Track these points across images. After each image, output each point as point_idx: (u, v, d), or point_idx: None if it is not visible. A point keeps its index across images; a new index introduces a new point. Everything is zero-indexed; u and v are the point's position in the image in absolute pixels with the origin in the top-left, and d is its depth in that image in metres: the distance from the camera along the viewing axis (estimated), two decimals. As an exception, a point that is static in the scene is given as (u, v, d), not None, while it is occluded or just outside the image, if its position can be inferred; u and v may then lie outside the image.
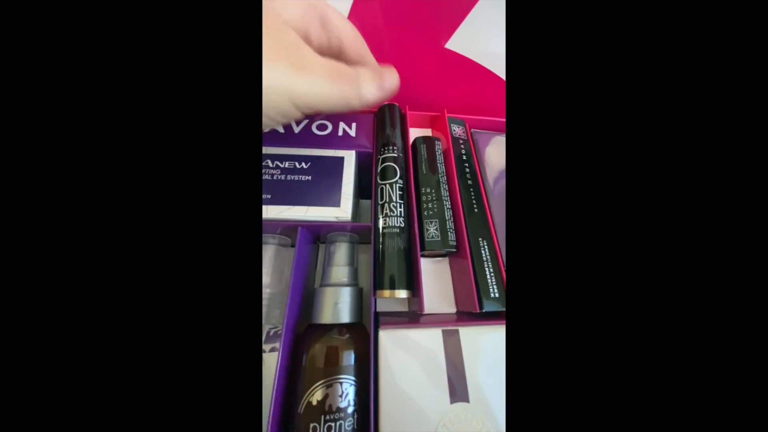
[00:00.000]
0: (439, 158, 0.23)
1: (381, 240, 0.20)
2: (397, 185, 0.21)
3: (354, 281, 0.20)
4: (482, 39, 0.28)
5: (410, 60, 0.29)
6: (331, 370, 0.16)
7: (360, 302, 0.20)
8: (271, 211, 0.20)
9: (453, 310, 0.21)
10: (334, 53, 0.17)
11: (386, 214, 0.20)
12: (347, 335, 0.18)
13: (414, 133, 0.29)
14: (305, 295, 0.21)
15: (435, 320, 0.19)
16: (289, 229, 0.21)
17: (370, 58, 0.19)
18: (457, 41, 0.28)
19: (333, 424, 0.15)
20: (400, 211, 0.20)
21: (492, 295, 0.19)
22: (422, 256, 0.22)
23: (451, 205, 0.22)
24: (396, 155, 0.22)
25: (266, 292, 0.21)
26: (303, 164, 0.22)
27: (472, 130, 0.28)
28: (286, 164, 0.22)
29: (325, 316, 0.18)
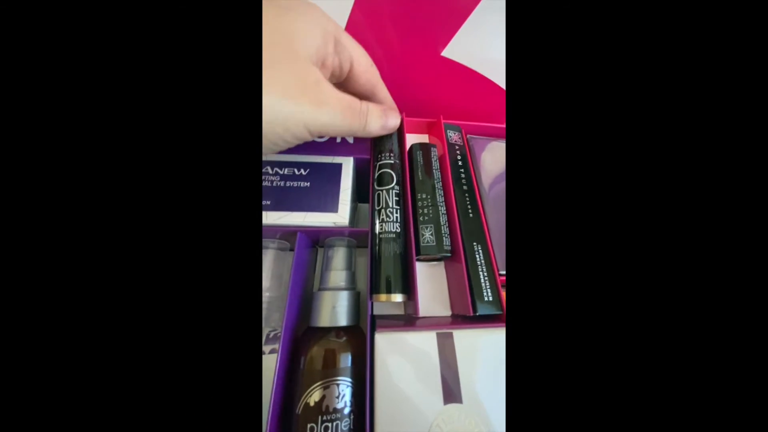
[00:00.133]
0: (435, 164, 0.24)
1: (377, 245, 0.20)
2: (393, 191, 0.21)
3: (351, 285, 0.21)
4: (479, 46, 0.29)
5: (407, 67, 0.29)
6: (328, 371, 0.17)
7: (357, 305, 0.20)
8: (270, 217, 0.20)
9: (448, 313, 0.22)
10: (345, 75, 0.19)
11: (383, 219, 0.20)
12: (344, 338, 0.18)
13: (411, 138, 0.29)
14: (304, 298, 0.22)
15: (430, 323, 0.19)
16: (288, 233, 0.22)
17: (376, 79, 0.20)
18: (454, 49, 0.29)
19: (330, 425, 0.15)
20: (396, 217, 0.20)
21: (486, 298, 0.19)
22: (418, 260, 0.22)
23: (447, 210, 0.22)
24: (392, 162, 0.22)
25: (266, 295, 0.21)
26: (302, 171, 0.23)
27: (468, 135, 0.28)
28: (285, 170, 0.23)
29: (323, 320, 0.18)
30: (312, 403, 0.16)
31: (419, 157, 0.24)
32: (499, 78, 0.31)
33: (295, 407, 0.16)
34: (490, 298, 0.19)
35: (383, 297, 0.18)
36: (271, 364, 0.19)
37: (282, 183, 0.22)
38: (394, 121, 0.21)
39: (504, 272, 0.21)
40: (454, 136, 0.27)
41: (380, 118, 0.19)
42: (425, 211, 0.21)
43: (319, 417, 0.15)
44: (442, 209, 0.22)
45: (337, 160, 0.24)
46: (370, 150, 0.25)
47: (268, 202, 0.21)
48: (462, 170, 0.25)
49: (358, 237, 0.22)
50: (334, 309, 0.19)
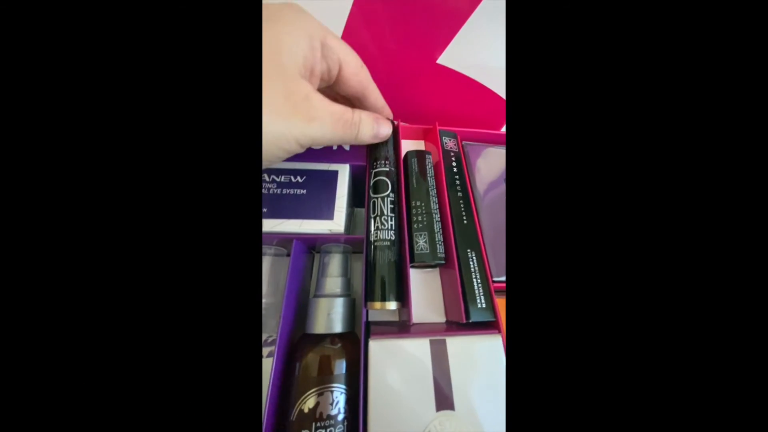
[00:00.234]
0: (429, 171, 0.24)
1: (372, 252, 0.20)
2: (389, 199, 0.21)
3: (347, 292, 0.21)
4: (474, 54, 0.29)
5: (404, 74, 0.30)
6: (323, 378, 0.17)
7: (353, 312, 0.20)
8: (267, 224, 0.21)
9: (442, 319, 0.22)
10: (334, 78, 0.18)
11: (377, 227, 0.20)
12: (339, 345, 0.18)
13: (406, 145, 0.29)
14: (300, 304, 0.22)
15: (424, 330, 0.19)
16: (284, 240, 0.22)
17: (367, 80, 0.20)
18: (450, 56, 0.29)
19: (324, 431, 0.16)
20: (391, 224, 0.20)
21: (479, 305, 0.20)
22: (412, 267, 0.22)
23: (441, 217, 0.22)
24: (388, 169, 0.22)
25: (263, 302, 0.21)
26: (298, 178, 0.23)
27: (464, 142, 0.29)
28: (282, 178, 0.23)
29: (319, 326, 0.19)
30: (306, 410, 0.16)
31: (414, 164, 0.24)
32: (495, 85, 0.31)
33: (289, 413, 0.16)
34: (484, 305, 0.20)
35: (377, 305, 0.19)
36: (267, 367, 0.20)
37: (279, 190, 0.22)
38: (385, 129, 0.21)
39: (498, 279, 0.21)
40: (449, 142, 0.27)
41: (372, 127, 0.19)
42: (419, 218, 0.21)
43: (313, 424, 0.16)
44: (436, 216, 0.22)
45: (333, 167, 0.24)
46: (366, 157, 0.25)
47: (265, 210, 0.21)
48: (457, 176, 0.25)
49: (354, 243, 0.23)
50: (330, 316, 0.19)
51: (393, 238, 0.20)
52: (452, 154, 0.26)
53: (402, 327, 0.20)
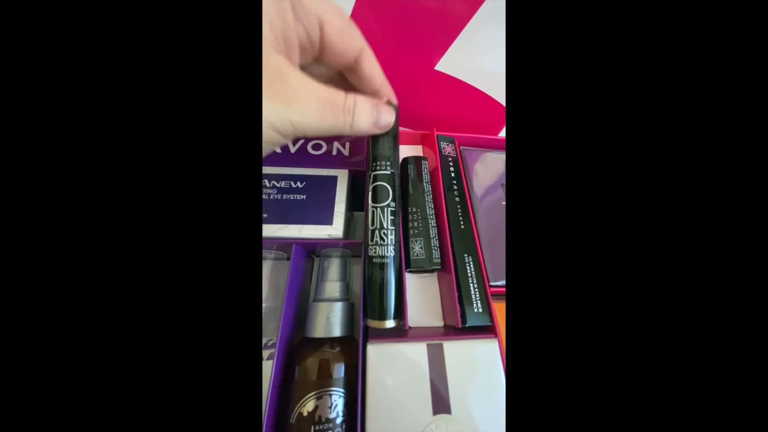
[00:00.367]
0: (426, 177, 0.24)
1: (370, 269, 0.19)
2: (389, 209, 0.19)
3: (345, 296, 0.21)
4: (472, 60, 0.29)
5: (402, 80, 0.30)
6: (322, 382, 0.17)
7: (351, 316, 0.21)
8: (267, 230, 0.21)
9: (440, 323, 0.22)
10: (317, 45, 0.15)
11: (376, 242, 0.18)
12: (338, 349, 0.19)
13: (404, 150, 0.30)
14: (300, 307, 0.22)
15: (421, 334, 0.20)
16: (284, 244, 0.22)
17: (357, 42, 0.16)
18: (448, 62, 0.29)
19: (322, 434, 0.16)
20: (391, 239, 0.19)
21: (476, 310, 0.20)
22: (409, 272, 0.23)
23: (438, 223, 0.23)
24: (389, 172, 0.19)
25: (262, 306, 0.22)
26: (298, 183, 0.23)
27: (461, 147, 0.29)
28: (282, 183, 0.23)
29: (318, 330, 0.19)
30: (305, 413, 0.16)
31: (411, 170, 0.24)
32: (493, 91, 0.31)
33: (289, 417, 0.16)
34: (480, 310, 0.20)
35: (375, 323, 0.18)
36: (267, 370, 0.20)
37: (279, 196, 0.23)
38: (387, 117, 0.17)
39: (494, 284, 0.22)
40: (447, 147, 0.28)
41: (370, 113, 0.16)
42: (415, 224, 0.22)
43: (312, 427, 0.16)
44: (432, 222, 0.22)
45: (332, 172, 0.24)
46: (366, 160, 0.25)
47: (266, 215, 0.22)
48: (455, 181, 0.25)
49: (353, 248, 0.23)
50: (329, 320, 0.19)
51: (392, 254, 0.18)
52: (450, 159, 0.27)
53: (400, 331, 0.20)
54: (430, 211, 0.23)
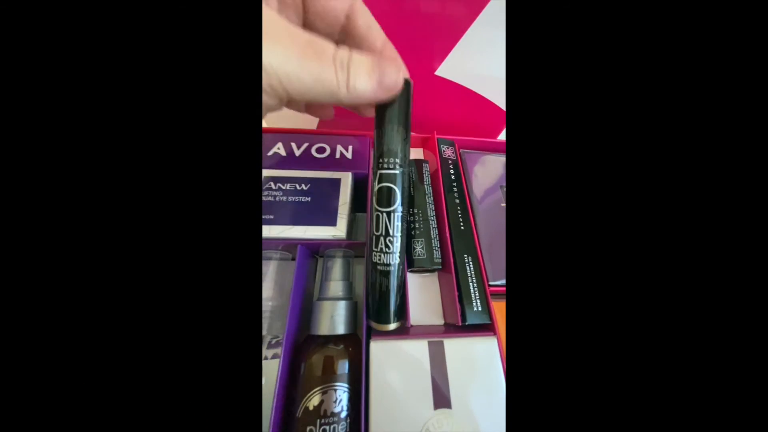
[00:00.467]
0: (427, 180, 0.25)
1: (375, 275, 0.18)
2: (396, 215, 0.17)
3: (349, 295, 0.22)
4: (472, 65, 0.30)
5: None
6: (327, 378, 0.18)
7: (354, 314, 0.21)
8: (273, 231, 0.22)
9: (441, 321, 0.23)
10: (299, 5, 0.13)
11: (381, 249, 0.17)
12: (342, 346, 0.19)
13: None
14: (304, 306, 0.23)
15: (423, 332, 0.20)
16: (289, 245, 0.23)
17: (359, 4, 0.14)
18: (448, 68, 0.30)
19: (327, 428, 0.16)
20: (397, 246, 0.17)
21: (475, 308, 0.20)
22: (410, 271, 0.23)
23: (438, 224, 0.23)
24: (397, 171, 0.17)
25: (268, 304, 0.22)
26: (303, 186, 0.24)
27: (461, 150, 0.30)
28: (288, 186, 0.24)
29: (323, 328, 0.20)
30: (311, 407, 0.17)
31: (412, 173, 0.25)
32: (492, 95, 0.32)
33: (295, 411, 0.17)
34: (480, 308, 0.20)
35: (378, 326, 0.18)
36: (273, 368, 0.21)
37: (284, 198, 0.23)
38: (392, 75, 0.13)
39: (493, 283, 0.22)
40: (447, 150, 0.28)
41: (372, 70, 0.13)
42: (417, 225, 0.22)
43: (318, 420, 0.17)
44: (433, 223, 0.23)
45: (336, 175, 0.25)
46: (368, 165, 0.26)
47: (272, 216, 0.22)
48: (455, 183, 0.26)
49: (356, 248, 0.24)
50: (333, 318, 0.20)
51: (397, 261, 0.17)
52: (450, 161, 0.27)
53: (401, 329, 0.21)
54: (430, 213, 0.23)
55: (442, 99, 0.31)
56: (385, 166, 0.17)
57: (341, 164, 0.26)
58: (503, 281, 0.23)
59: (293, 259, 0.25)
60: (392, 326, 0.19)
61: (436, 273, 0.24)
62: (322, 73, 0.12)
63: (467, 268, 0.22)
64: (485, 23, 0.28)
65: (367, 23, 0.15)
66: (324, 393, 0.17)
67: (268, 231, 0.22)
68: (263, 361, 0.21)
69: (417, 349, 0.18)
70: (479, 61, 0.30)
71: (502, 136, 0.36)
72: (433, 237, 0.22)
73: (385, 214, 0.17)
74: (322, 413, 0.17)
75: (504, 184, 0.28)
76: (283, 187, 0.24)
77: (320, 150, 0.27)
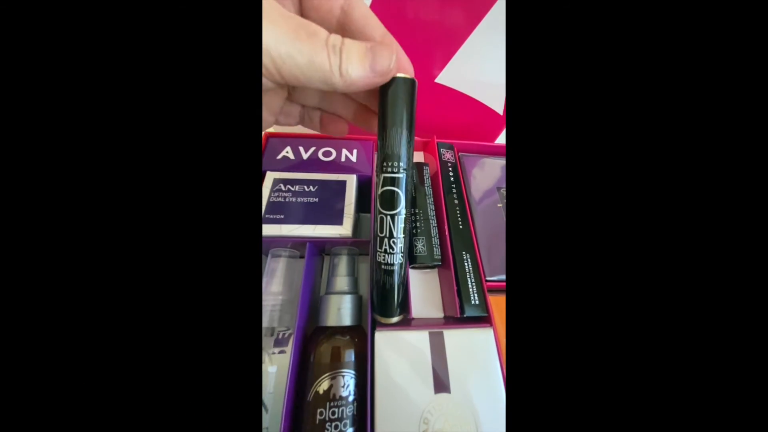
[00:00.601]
0: (427, 181, 0.26)
1: (379, 274, 0.19)
2: (399, 217, 0.17)
3: (354, 290, 0.23)
4: (471, 72, 0.32)
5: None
6: (335, 365, 0.19)
7: (359, 308, 0.23)
8: (284, 230, 0.23)
9: (441, 314, 0.24)
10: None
11: (385, 250, 0.18)
12: (348, 336, 0.21)
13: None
14: (312, 301, 0.24)
15: (424, 324, 0.22)
16: (298, 243, 0.24)
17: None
18: (448, 75, 0.32)
19: (336, 410, 0.18)
20: (401, 247, 0.18)
21: (473, 302, 0.22)
22: (412, 268, 0.25)
23: (438, 223, 0.25)
24: (400, 175, 0.17)
25: (278, 298, 0.24)
26: (311, 187, 0.26)
27: (460, 153, 0.31)
28: (297, 188, 0.25)
29: (330, 320, 0.21)
30: (321, 392, 0.18)
31: (413, 175, 0.27)
32: (490, 101, 0.34)
33: (306, 395, 0.18)
34: (477, 302, 0.22)
35: (382, 320, 0.20)
36: (284, 362, 0.22)
37: (294, 199, 0.25)
38: (384, 60, 0.13)
39: (490, 278, 0.24)
40: (446, 153, 0.30)
41: (364, 56, 0.13)
42: (418, 224, 0.24)
43: (327, 403, 0.18)
44: (433, 222, 0.24)
45: (341, 177, 0.27)
46: (371, 168, 0.28)
47: (282, 216, 0.24)
48: (454, 185, 0.27)
49: (360, 246, 0.25)
50: (339, 311, 0.21)
51: (401, 261, 0.18)
52: (449, 164, 0.29)
53: (404, 321, 0.22)
54: (431, 213, 0.25)
55: (442, 105, 0.32)
56: (389, 169, 0.17)
57: (346, 167, 0.28)
58: (499, 277, 0.24)
59: (301, 257, 0.26)
60: (395, 319, 0.20)
61: (436, 269, 0.26)
62: (314, 56, 0.12)
63: (465, 264, 0.23)
64: (484, 33, 0.29)
65: (363, 15, 0.15)
66: (333, 378, 0.19)
67: (279, 230, 0.23)
68: (271, 356, 0.23)
69: (418, 339, 0.20)
70: (478, 69, 0.32)
71: (499, 140, 0.37)
72: (433, 235, 0.24)
73: (389, 217, 0.17)
74: (331, 397, 0.18)
75: (501, 186, 0.29)
76: (292, 189, 0.25)
77: (326, 153, 0.28)
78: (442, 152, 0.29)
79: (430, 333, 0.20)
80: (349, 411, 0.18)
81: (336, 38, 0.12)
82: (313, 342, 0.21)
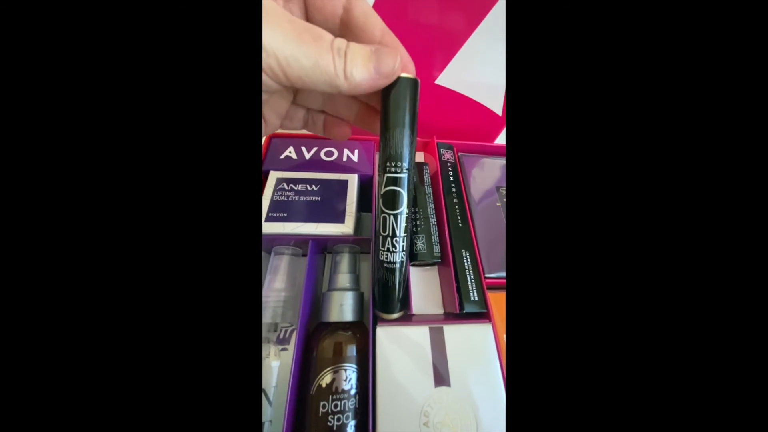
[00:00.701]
0: (427, 181, 0.27)
1: (381, 272, 0.19)
2: (402, 216, 0.18)
3: (356, 286, 0.24)
4: (470, 74, 0.32)
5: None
6: (337, 359, 0.20)
7: (361, 304, 0.23)
8: (288, 227, 0.24)
9: (441, 311, 0.25)
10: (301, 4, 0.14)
11: (388, 248, 0.18)
12: (350, 331, 0.21)
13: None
14: (314, 298, 0.25)
15: (424, 319, 0.22)
16: (300, 241, 0.25)
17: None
18: (447, 77, 0.32)
19: (339, 403, 0.18)
20: (403, 246, 0.18)
21: (472, 298, 0.22)
22: (412, 265, 0.25)
23: (438, 221, 0.25)
24: (403, 175, 0.17)
25: (281, 295, 0.24)
26: (313, 186, 0.26)
27: (460, 153, 0.32)
28: (299, 187, 0.26)
29: (332, 316, 0.22)
30: (324, 385, 0.19)
31: (413, 175, 0.27)
32: (489, 102, 0.34)
33: (309, 388, 0.19)
34: (476, 298, 0.22)
35: (385, 316, 0.20)
36: (286, 358, 0.23)
37: (297, 198, 0.25)
38: (389, 62, 0.14)
39: (489, 275, 0.24)
40: (446, 153, 0.30)
41: (368, 58, 0.13)
42: (418, 223, 0.24)
43: (330, 396, 0.18)
44: (433, 221, 0.25)
45: (343, 177, 0.27)
46: (372, 167, 0.28)
47: (285, 214, 0.24)
48: (453, 184, 0.28)
49: (362, 243, 0.26)
50: (342, 306, 0.22)
51: (402, 259, 0.19)
52: (449, 164, 0.29)
53: (405, 317, 0.23)
54: (431, 211, 0.25)
55: (441, 106, 0.33)
56: (392, 169, 0.17)
57: (348, 167, 0.28)
58: (498, 274, 0.24)
59: (304, 255, 0.27)
60: (396, 315, 0.21)
61: (436, 266, 0.26)
62: (319, 58, 0.12)
63: (465, 261, 0.24)
64: (483, 35, 0.30)
65: (364, 12, 0.15)
66: (335, 372, 0.19)
67: (282, 227, 0.24)
68: (275, 351, 0.23)
69: (419, 334, 0.20)
70: (477, 71, 0.32)
71: (498, 141, 0.38)
72: (433, 233, 0.24)
73: (392, 217, 0.18)
74: (334, 390, 0.19)
75: (500, 186, 0.30)
76: (295, 188, 0.26)
77: (328, 153, 0.29)
78: (441, 152, 0.30)
79: (430, 328, 0.21)
80: (351, 404, 0.19)
81: (341, 42, 0.13)
82: (316, 337, 0.21)
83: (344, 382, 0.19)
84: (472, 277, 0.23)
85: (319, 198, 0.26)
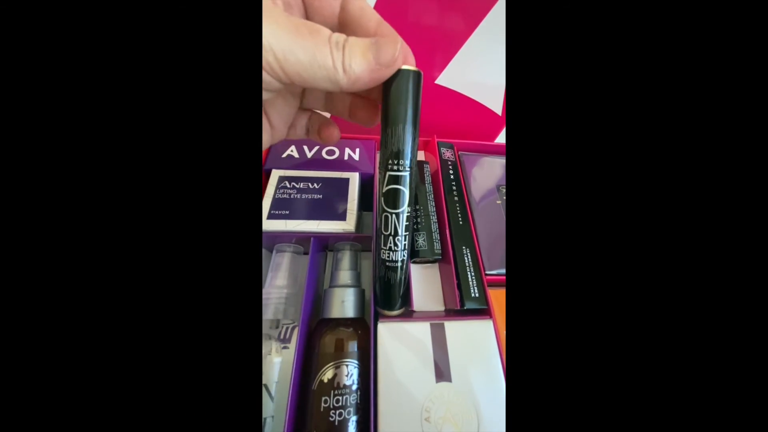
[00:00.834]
0: (427, 179, 0.27)
1: (383, 270, 0.19)
2: (403, 215, 0.17)
3: (357, 283, 0.24)
4: (469, 74, 0.33)
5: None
6: (338, 354, 0.20)
7: (362, 300, 0.23)
8: (289, 225, 0.24)
9: (441, 307, 0.25)
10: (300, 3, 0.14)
11: (390, 247, 0.18)
12: (351, 327, 0.21)
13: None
14: (316, 294, 0.25)
15: (425, 316, 0.22)
16: (302, 239, 0.25)
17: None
18: (447, 77, 0.33)
19: (340, 398, 0.18)
20: (405, 244, 0.18)
21: (473, 295, 0.22)
22: (413, 262, 0.25)
23: (438, 219, 0.25)
24: (405, 173, 0.17)
25: (283, 292, 0.24)
26: (315, 185, 0.26)
27: (460, 152, 0.32)
28: (301, 185, 0.26)
29: (334, 312, 0.22)
30: (326, 380, 0.19)
31: (416, 174, 0.27)
32: (489, 101, 0.35)
33: (311, 384, 0.19)
34: (477, 295, 0.22)
35: (386, 312, 0.21)
36: (288, 356, 0.23)
37: (298, 196, 0.26)
38: (388, 51, 0.13)
39: (490, 272, 0.24)
40: (447, 152, 0.30)
41: (368, 49, 0.13)
42: (418, 220, 0.24)
43: (332, 392, 0.18)
44: (434, 218, 0.25)
45: (345, 175, 0.27)
46: (373, 166, 0.28)
47: (287, 212, 0.25)
48: (454, 183, 0.28)
49: (363, 241, 0.26)
50: (343, 303, 0.22)
51: (404, 258, 0.19)
52: (450, 163, 0.30)
53: (406, 313, 0.23)
54: (431, 209, 0.25)
55: (442, 105, 0.33)
56: (395, 167, 0.17)
57: (349, 165, 0.28)
58: (498, 271, 0.25)
59: (305, 253, 0.27)
60: (397, 312, 0.21)
61: (436, 263, 0.26)
62: (317, 51, 0.12)
63: (465, 259, 0.24)
64: (482, 36, 0.30)
65: (360, 7, 0.15)
66: (337, 368, 0.19)
67: (284, 225, 0.24)
68: (276, 348, 0.23)
69: (420, 330, 0.20)
70: (477, 71, 0.33)
71: (498, 140, 0.38)
72: (433, 231, 0.24)
73: (394, 215, 0.17)
74: (336, 385, 0.19)
75: (500, 184, 0.30)
76: (297, 186, 0.26)
77: (330, 152, 0.29)
78: (442, 151, 0.30)
79: (431, 324, 0.21)
80: (352, 399, 0.19)
81: (339, 36, 0.12)
82: (318, 333, 0.21)
83: (346, 378, 0.19)
84: (473, 273, 0.23)
85: (321, 196, 0.26)
